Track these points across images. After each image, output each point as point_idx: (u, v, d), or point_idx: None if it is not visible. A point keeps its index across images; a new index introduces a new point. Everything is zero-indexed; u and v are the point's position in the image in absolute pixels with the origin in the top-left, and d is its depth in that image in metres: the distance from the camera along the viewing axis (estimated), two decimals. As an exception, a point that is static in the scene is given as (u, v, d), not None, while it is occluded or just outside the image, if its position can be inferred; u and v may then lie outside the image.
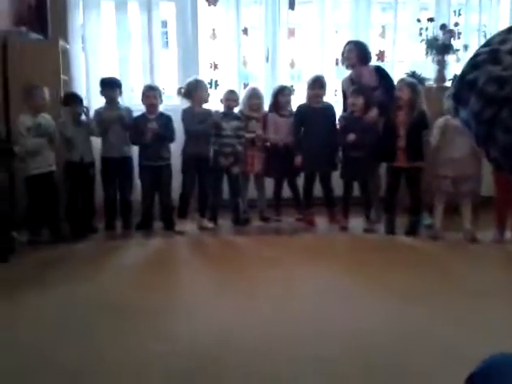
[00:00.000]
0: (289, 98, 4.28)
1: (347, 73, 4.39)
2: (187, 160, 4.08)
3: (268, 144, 4.27)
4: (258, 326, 2.35)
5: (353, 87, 4.15)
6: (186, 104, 4.18)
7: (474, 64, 0.68)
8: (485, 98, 0.64)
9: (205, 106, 4.20)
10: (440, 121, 3.82)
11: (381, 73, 4.24)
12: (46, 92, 3.78)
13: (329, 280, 2.98)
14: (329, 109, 4.21)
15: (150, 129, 3.93)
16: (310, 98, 4.19)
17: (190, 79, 4.17)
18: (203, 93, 4.13)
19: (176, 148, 4.16)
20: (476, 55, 0.69)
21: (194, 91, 4.09)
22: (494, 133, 0.64)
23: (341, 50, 4.35)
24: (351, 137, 3.93)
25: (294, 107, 4.31)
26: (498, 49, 0.66)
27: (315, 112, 4.14)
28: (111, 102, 4.08)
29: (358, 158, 3.99)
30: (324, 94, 4.22)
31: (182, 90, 4.16)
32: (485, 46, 0.69)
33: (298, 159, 4.11)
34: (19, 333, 2.30)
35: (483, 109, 0.64)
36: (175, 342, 2.18)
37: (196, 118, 4.06)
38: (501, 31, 0.69)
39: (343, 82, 4.39)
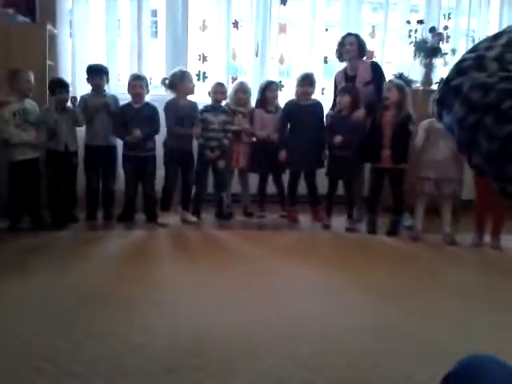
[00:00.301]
0: (276, 93, 4.28)
1: (341, 66, 4.39)
2: (169, 153, 4.06)
3: (254, 139, 4.27)
4: (239, 319, 2.35)
5: (340, 86, 4.17)
6: (171, 95, 4.14)
7: (459, 70, 0.69)
8: (469, 105, 0.65)
9: (191, 98, 4.17)
10: (424, 123, 3.86)
11: (376, 69, 4.25)
12: (31, 76, 3.73)
13: (310, 276, 3.00)
14: (317, 106, 4.22)
15: (135, 137, 3.90)
16: (298, 94, 4.19)
17: (175, 70, 4.13)
18: (188, 84, 4.08)
19: (161, 138, 4.13)
20: (461, 61, 0.69)
21: (179, 82, 4.04)
22: (477, 139, 0.64)
23: (336, 42, 4.33)
24: (338, 139, 3.94)
25: (282, 103, 4.31)
26: (484, 55, 0.66)
27: (303, 109, 4.15)
28: (97, 89, 4.03)
29: (344, 156, 4.01)
30: (313, 91, 4.22)
31: (167, 81, 4.12)
32: (471, 51, 0.69)
33: (283, 154, 4.11)
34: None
35: (467, 115, 0.65)
36: (154, 335, 2.17)
37: (180, 112, 4.03)
38: (487, 38, 0.70)
39: (336, 76, 4.38)
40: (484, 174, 0.67)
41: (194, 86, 4.16)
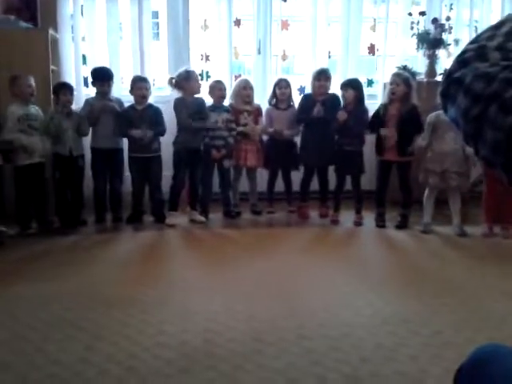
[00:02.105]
0: (284, 90, 4.26)
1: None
2: (178, 151, 4.05)
3: (264, 137, 4.29)
4: (250, 318, 2.34)
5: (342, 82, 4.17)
6: (177, 94, 4.14)
7: (461, 61, 0.68)
8: (472, 96, 0.64)
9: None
10: (431, 116, 3.83)
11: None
12: (32, 80, 3.73)
13: (321, 273, 2.98)
14: (332, 100, 4.16)
15: (136, 136, 3.92)
16: (315, 89, 4.17)
17: (181, 70, 4.13)
18: (194, 83, 4.08)
19: (166, 139, 4.13)
20: (463, 52, 0.68)
21: (184, 82, 4.05)
22: (483, 130, 0.63)
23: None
24: (341, 115, 3.91)
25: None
26: (485, 45, 0.65)
27: (315, 104, 4.11)
28: (102, 93, 4.04)
29: (350, 151, 4.00)
30: (329, 86, 4.19)
31: (173, 81, 4.12)
32: (473, 42, 0.69)
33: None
34: (9, 325, 2.28)
35: (471, 106, 0.64)
36: (166, 335, 2.17)
37: (189, 109, 4.02)
38: (489, 27, 0.69)
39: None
40: (492, 165, 0.66)
41: (199, 85, 4.15)
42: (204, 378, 1.86)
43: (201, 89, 4.17)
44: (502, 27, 0.67)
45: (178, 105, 4.04)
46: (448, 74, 0.70)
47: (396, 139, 3.87)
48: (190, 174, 4.11)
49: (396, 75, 3.99)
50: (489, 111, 0.61)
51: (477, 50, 0.66)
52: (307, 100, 4.21)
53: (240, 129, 4.18)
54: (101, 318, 2.35)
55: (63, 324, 2.29)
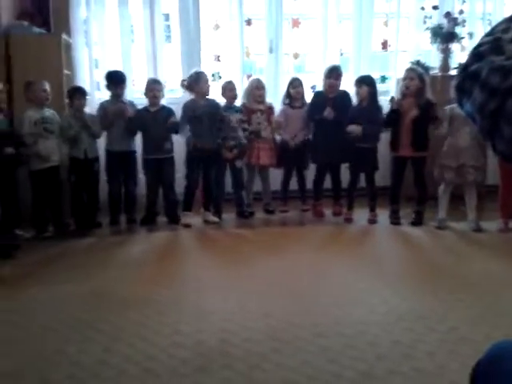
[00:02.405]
0: (298, 89, 4.25)
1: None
2: (192, 151, 4.07)
3: (278, 137, 4.29)
4: (266, 316, 2.34)
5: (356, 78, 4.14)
6: (189, 96, 4.16)
7: (476, 54, 0.67)
8: (488, 90, 0.63)
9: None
10: (446, 109, 3.80)
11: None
12: (47, 85, 3.77)
13: (336, 271, 2.98)
14: (343, 97, 4.15)
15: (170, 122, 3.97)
16: (326, 87, 4.16)
17: (192, 72, 4.15)
18: (203, 85, 4.08)
19: (178, 140, 4.16)
20: (479, 45, 0.67)
21: (194, 84, 4.06)
22: (500, 125, 0.62)
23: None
24: (328, 112, 3.94)
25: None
26: (501, 38, 0.64)
27: (329, 101, 4.10)
28: (116, 96, 4.07)
29: (365, 149, 3.98)
30: (340, 83, 4.18)
31: (185, 83, 4.14)
32: (488, 35, 0.68)
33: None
34: (25, 328, 2.31)
35: (487, 100, 0.63)
36: (182, 335, 2.18)
37: (199, 111, 4.02)
38: (504, 19, 0.68)
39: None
40: (509, 160, 0.65)
41: (209, 86, 4.16)
42: (220, 378, 1.87)
43: (210, 90, 4.17)
44: None
45: (184, 108, 4.07)
46: (464, 68, 0.69)
47: (411, 135, 3.85)
48: (203, 174, 4.13)
49: (410, 70, 3.96)
50: (506, 105, 0.60)
51: (492, 43, 0.65)
52: (318, 98, 4.21)
53: (252, 128, 4.18)
54: (117, 320, 2.37)
55: (81, 326, 2.31)
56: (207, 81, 4.14)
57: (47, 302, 2.60)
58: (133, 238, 3.80)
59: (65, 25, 4.43)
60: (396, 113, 3.90)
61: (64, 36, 4.27)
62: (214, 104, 4.13)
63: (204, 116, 4.04)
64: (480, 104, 0.64)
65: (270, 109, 4.31)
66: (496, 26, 0.67)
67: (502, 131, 0.62)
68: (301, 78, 4.35)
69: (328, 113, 4.01)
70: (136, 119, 4.01)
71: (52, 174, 3.79)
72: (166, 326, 2.29)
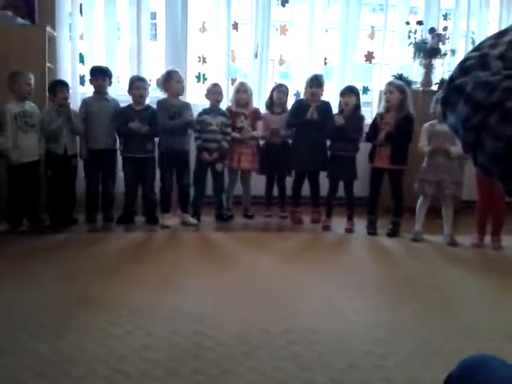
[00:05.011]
0: (280, 95, 4.27)
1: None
2: (162, 153, 4.05)
3: (261, 142, 4.30)
4: (238, 322, 2.34)
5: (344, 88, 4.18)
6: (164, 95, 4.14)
7: (462, 69, 0.68)
8: (473, 104, 0.64)
9: (190, 99, 4.17)
10: (425, 125, 3.86)
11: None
12: (32, 78, 3.72)
13: (310, 279, 2.99)
14: (323, 107, 4.18)
15: (133, 127, 3.90)
16: (308, 95, 4.18)
17: (164, 71, 4.13)
18: (175, 84, 4.05)
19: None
20: (465, 60, 0.68)
21: (165, 83, 4.04)
22: (482, 139, 0.63)
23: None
24: (338, 118, 3.96)
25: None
26: (487, 53, 0.65)
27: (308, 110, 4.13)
28: (100, 91, 4.02)
29: (344, 157, 4.02)
30: (322, 92, 4.21)
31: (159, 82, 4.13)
32: (475, 50, 0.69)
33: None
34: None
35: (471, 114, 0.64)
36: (154, 337, 2.16)
37: (171, 110, 4.01)
38: (491, 35, 0.69)
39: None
40: (490, 174, 0.66)
41: (182, 86, 4.12)
42: (192, 381, 1.85)
43: (183, 90, 4.16)
44: (504, 36, 0.66)
45: (159, 106, 4.04)
46: (449, 81, 0.70)
47: (389, 147, 3.90)
48: (177, 176, 4.10)
49: (389, 84, 4.02)
50: (489, 120, 0.61)
51: (479, 58, 0.66)
52: (299, 105, 4.23)
53: (237, 136, 4.18)
54: (89, 318, 2.33)
55: (52, 323, 2.28)
56: (180, 81, 4.09)
57: (18, 298, 2.55)
58: (109, 237, 3.76)
59: (50, 17, 4.38)
60: (375, 127, 3.96)
61: (48, 29, 4.21)
62: (184, 105, 4.11)
63: (176, 116, 4.02)
64: (464, 117, 0.65)
65: (256, 113, 4.31)
66: (484, 42, 0.68)
67: (484, 145, 0.63)
68: (287, 86, 4.37)
69: (312, 113, 4.03)
70: (120, 118, 3.98)
71: (30, 169, 3.72)
72: (138, 327, 2.26)
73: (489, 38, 0.69)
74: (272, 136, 4.24)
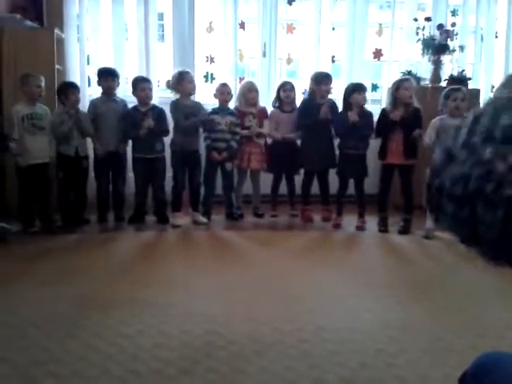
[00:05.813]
0: (289, 93, 4.25)
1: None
2: (175, 153, 4.06)
3: (269, 141, 4.29)
4: (250, 321, 2.34)
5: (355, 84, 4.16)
6: (175, 96, 4.14)
7: (434, 170, 0.69)
8: (455, 199, 0.65)
9: (198, 98, 4.17)
10: (434, 121, 3.83)
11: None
12: (43, 81, 3.74)
13: (322, 277, 2.98)
14: (331, 105, 4.16)
15: (147, 125, 3.90)
16: (317, 94, 4.17)
17: (175, 72, 4.14)
18: (187, 85, 4.05)
19: (169, 141, 4.14)
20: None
21: (177, 84, 4.05)
22: (479, 231, 0.64)
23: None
24: (353, 116, 3.94)
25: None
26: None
27: (318, 108, 4.12)
28: (108, 92, 4.03)
29: (354, 155, 4.01)
30: (330, 90, 4.20)
31: (170, 83, 4.13)
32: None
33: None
34: (7, 324, 2.29)
35: (458, 209, 0.65)
36: (166, 336, 2.17)
37: (184, 110, 4.02)
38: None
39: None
40: (497, 261, 0.67)
41: (193, 86, 4.13)
42: (204, 380, 1.86)
43: (195, 90, 4.17)
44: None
45: (173, 106, 4.05)
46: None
47: (401, 143, 3.89)
48: (189, 175, 4.12)
49: (399, 81, 4.01)
50: (477, 211, 0.62)
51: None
52: (308, 104, 4.21)
53: (244, 132, 4.18)
54: (101, 318, 2.35)
55: (65, 323, 2.29)
56: (190, 80, 4.11)
57: (31, 297, 2.58)
58: (120, 236, 3.78)
59: (58, 19, 4.40)
60: (385, 122, 3.95)
61: (57, 31, 4.23)
62: (197, 106, 4.12)
63: (190, 116, 4.03)
64: (452, 213, 0.66)
65: (263, 112, 4.31)
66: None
67: (483, 236, 0.63)
68: (292, 83, 4.36)
69: (324, 112, 4.02)
70: (128, 120, 3.99)
71: (40, 171, 3.74)
72: (150, 326, 2.27)
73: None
74: (284, 141, 4.22)
